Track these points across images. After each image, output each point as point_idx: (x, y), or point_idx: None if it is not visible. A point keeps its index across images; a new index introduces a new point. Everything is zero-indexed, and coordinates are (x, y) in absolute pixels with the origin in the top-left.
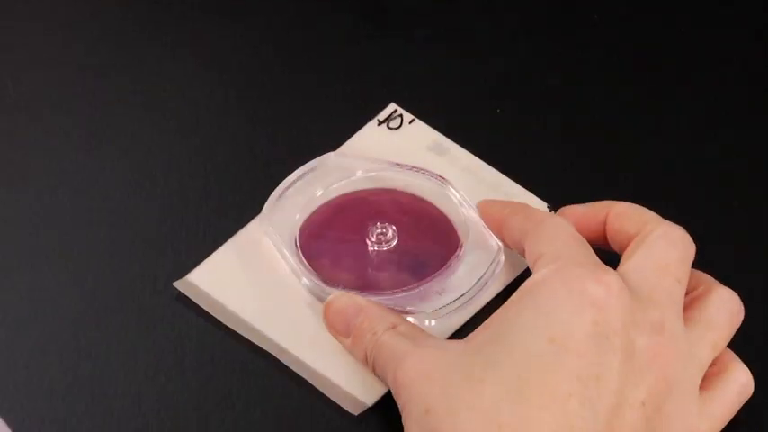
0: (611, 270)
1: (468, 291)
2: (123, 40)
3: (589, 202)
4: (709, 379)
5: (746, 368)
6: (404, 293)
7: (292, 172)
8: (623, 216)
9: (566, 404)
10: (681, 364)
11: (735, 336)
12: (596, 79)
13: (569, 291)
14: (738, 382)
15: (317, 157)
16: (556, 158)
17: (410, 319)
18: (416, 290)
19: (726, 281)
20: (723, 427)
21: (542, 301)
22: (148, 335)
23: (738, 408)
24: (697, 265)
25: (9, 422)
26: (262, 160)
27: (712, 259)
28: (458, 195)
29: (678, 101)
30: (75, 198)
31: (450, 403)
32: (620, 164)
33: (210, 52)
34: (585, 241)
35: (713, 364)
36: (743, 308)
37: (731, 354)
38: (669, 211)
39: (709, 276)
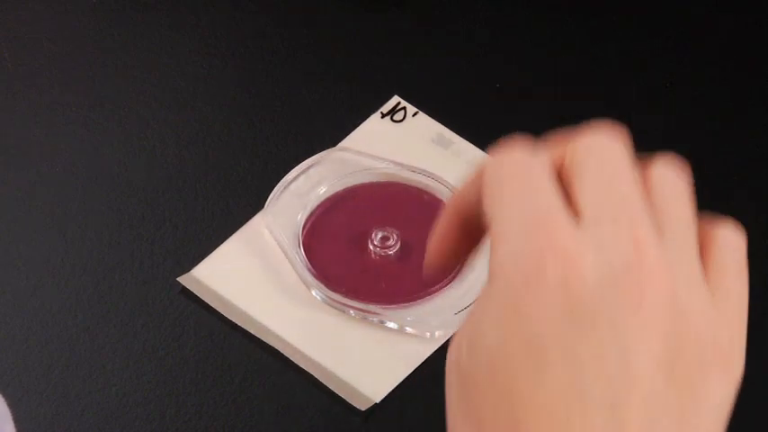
0: None
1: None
2: (122, 13)
3: None
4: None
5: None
6: (406, 305)
7: (295, 163)
8: None
9: None
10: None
11: None
12: (605, 68)
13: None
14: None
15: (319, 148)
16: None
17: (410, 330)
18: (418, 301)
19: None
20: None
21: None
22: (147, 310)
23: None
24: None
25: (7, 396)
26: (265, 149)
27: None
28: None
29: (691, 70)
30: (73, 171)
31: None
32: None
33: (209, 31)
34: None
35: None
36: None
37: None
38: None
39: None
